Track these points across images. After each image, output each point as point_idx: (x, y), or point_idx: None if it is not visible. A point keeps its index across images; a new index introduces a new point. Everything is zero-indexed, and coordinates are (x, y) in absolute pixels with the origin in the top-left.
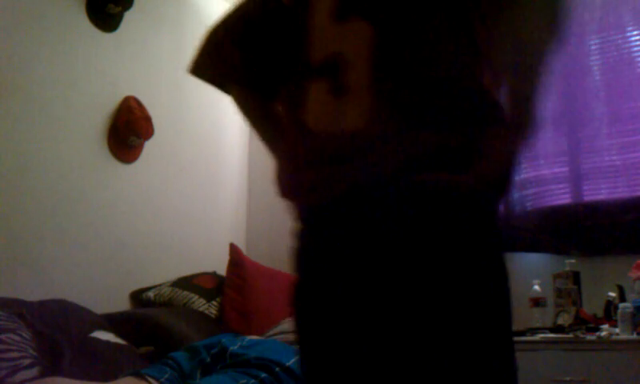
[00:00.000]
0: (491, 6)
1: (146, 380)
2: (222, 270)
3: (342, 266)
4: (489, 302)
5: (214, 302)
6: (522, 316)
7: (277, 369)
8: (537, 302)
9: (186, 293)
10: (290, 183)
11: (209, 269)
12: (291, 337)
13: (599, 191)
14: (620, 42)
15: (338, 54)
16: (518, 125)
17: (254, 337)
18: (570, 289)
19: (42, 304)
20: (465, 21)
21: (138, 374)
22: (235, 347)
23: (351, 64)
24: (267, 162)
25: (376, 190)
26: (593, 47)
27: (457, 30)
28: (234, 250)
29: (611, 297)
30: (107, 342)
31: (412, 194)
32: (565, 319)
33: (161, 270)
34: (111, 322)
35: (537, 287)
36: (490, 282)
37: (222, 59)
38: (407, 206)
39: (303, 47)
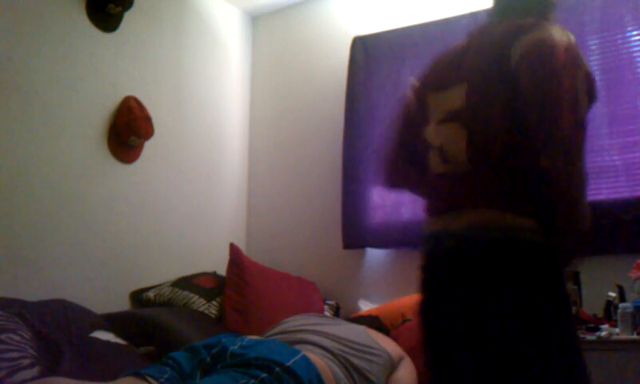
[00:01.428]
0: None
1: (146, 380)
2: (222, 270)
3: (455, 291)
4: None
5: (214, 302)
6: None
7: (277, 369)
8: None
9: (185, 293)
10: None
11: (209, 269)
12: (291, 337)
13: (599, 191)
14: (620, 42)
15: (441, 144)
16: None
17: (254, 337)
18: (569, 289)
19: (42, 304)
20: (517, 119)
21: (137, 374)
22: (235, 347)
23: (450, 147)
24: (267, 163)
25: (474, 239)
26: (593, 47)
27: (512, 128)
28: (234, 250)
29: (611, 297)
30: (107, 342)
31: (499, 242)
32: None
33: (161, 270)
34: (111, 322)
35: None
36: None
37: (398, 174)
38: (494, 252)
39: (425, 138)
